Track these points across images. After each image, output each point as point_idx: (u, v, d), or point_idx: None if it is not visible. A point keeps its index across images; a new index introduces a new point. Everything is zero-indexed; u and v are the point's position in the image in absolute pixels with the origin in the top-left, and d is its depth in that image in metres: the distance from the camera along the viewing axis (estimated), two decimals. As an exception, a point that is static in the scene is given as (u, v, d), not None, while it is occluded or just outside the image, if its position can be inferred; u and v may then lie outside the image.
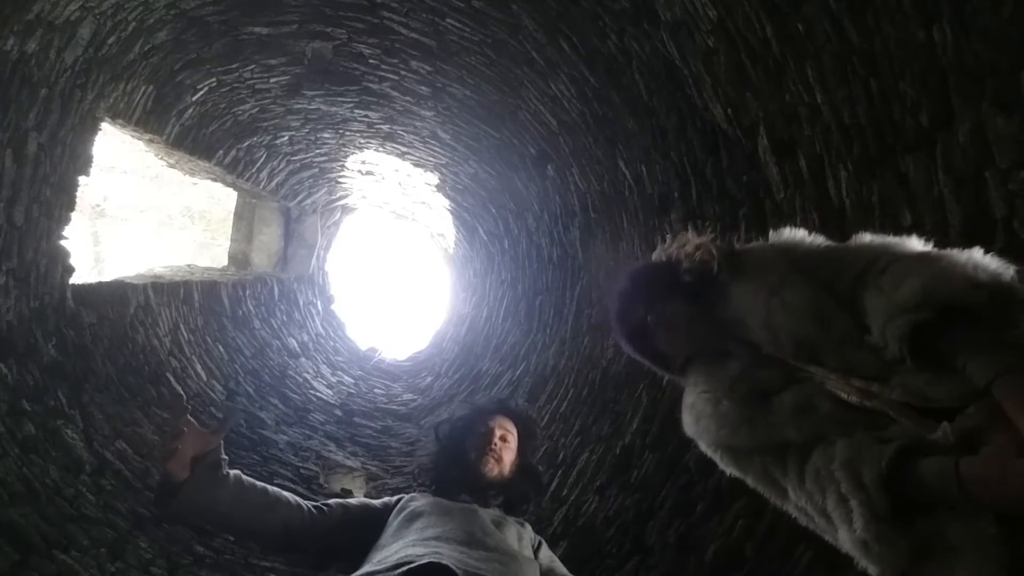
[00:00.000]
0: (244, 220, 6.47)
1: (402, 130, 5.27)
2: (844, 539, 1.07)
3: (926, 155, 1.89)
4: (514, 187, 4.96)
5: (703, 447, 1.36)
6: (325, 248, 7.16)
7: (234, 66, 4.40)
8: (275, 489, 1.80)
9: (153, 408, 4.06)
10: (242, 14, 3.97)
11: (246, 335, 5.52)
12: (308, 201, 6.59)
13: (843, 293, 1.19)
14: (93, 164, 3.88)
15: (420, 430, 5.32)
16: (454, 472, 2.07)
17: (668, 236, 1.54)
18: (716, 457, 1.33)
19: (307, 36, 4.27)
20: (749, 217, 2.69)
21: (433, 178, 5.86)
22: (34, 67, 3.18)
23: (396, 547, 1.64)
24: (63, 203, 3.64)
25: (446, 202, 6.17)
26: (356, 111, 5.12)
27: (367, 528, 1.81)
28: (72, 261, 3.73)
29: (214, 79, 4.43)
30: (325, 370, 6.26)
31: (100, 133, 3.88)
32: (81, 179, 3.78)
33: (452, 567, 1.47)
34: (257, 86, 4.69)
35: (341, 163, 6.11)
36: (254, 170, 5.55)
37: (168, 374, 4.36)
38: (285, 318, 6.29)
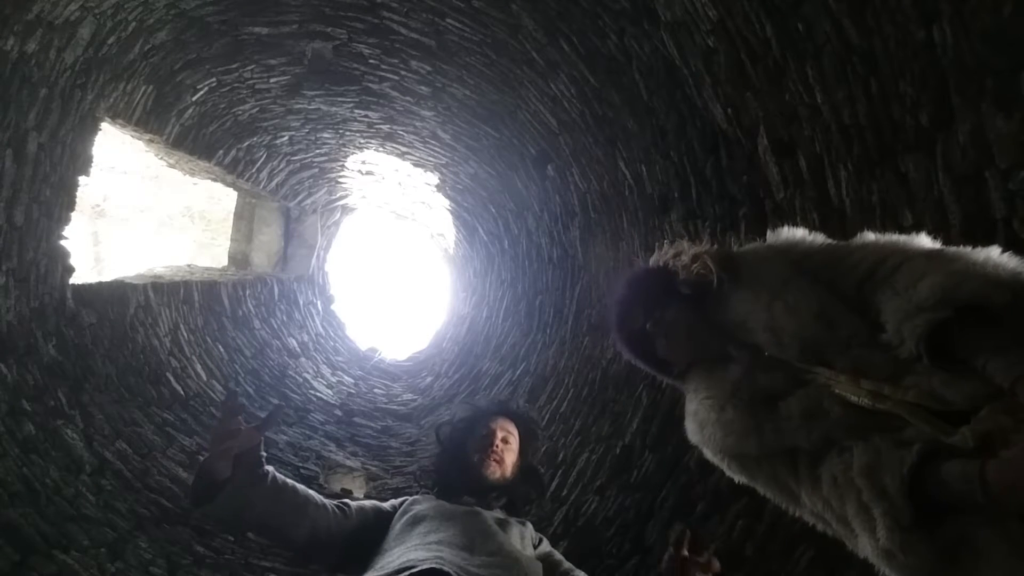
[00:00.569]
0: (244, 220, 6.47)
1: (402, 130, 5.27)
2: (865, 547, 1.04)
3: (926, 155, 1.89)
4: (514, 187, 4.96)
5: (709, 455, 1.33)
6: (325, 248, 7.15)
7: (234, 66, 4.41)
8: (303, 488, 1.79)
9: (153, 408, 4.07)
10: (242, 14, 3.97)
11: (246, 335, 5.52)
12: (308, 201, 6.58)
13: (849, 292, 1.18)
14: (93, 164, 3.88)
15: (420, 430, 5.33)
16: (456, 475, 2.07)
17: (666, 241, 1.53)
18: (724, 465, 1.30)
19: (307, 36, 4.27)
20: (749, 217, 2.69)
21: (433, 178, 5.86)
22: (34, 67, 3.19)
23: (398, 552, 1.65)
24: (63, 203, 3.64)
25: (446, 202, 6.17)
26: (356, 111, 5.12)
27: (381, 531, 1.82)
28: (72, 261, 3.74)
29: (214, 79, 4.43)
30: (325, 370, 6.26)
31: (100, 133, 3.88)
32: (81, 179, 3.78)
33: (453, 573, 1.47)
34: (257, 86, 4.69)
35: (341, 163, 6.11)
36: (254, 170, 5.55)
37: (168, 374, 4.36)
38: (285, 318, 6.29)
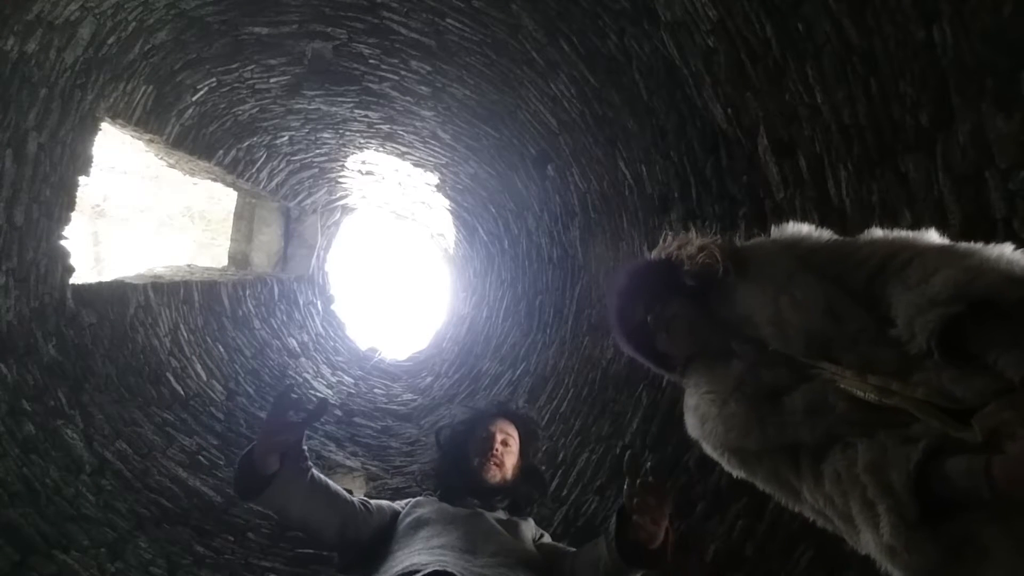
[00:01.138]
0: (244, 220, 6.47)
1: (402, 130, 5.27)
2: (868, 543, 1.03)
3: (926, 155, 1.89)
4: (514, 187, 4.96)
5: (708, 449, 1.32)
6: (325, 248, 7.15)
7: (234, 66, 4.40)
8: (335, 485, 1.82)
9: (153, 408, 4.07)
10: (242, 14, 3.97)
11: (246, 335, 5.52)
12: (308, 201, 6.58)
13: (857, 288, 1.17)
14: (93, 164, 3.88)
15: (420, 430, 5.33)
16: (457, 479, 2.07)
17: (669, 234, 1.50)
18: (723, 460, 1.29)
19: (307, 36, 4.27)
20: (749, 217, 2.69)
21: (433, 178, 5.85)
22: (34, 67, 3.18)
23: (402, 555, 1.66)
24: (63, 203, 3.64)
25: (446, 202, 6.17)
26: (356, 111, 5.12)
27: (392, 532, 1.83)
28: (72, 261, 3.74)
29: (214, 79, 4.43)
30: (325, 370, 6.26)
31: (100, 133, 3.88)
32: (81, 179, 3.78)
33: (458, 574, 1.48)
34: (257, 86, 4.69)
35: (341, 163, 6.11)
36: (254, 170, 5.55)
37: (168, 374, 4.36)
38: (285, 318, 6.29)
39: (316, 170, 6.16)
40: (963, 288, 1.00)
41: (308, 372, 5.98)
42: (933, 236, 1.19)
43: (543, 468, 2.61)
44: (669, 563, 1.60)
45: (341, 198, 6.92)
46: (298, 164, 5.93)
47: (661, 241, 1.49)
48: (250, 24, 4.08)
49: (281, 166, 5.82)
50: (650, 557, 1.58)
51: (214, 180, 5.74)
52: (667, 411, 3.20)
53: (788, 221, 1.40)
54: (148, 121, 4.20)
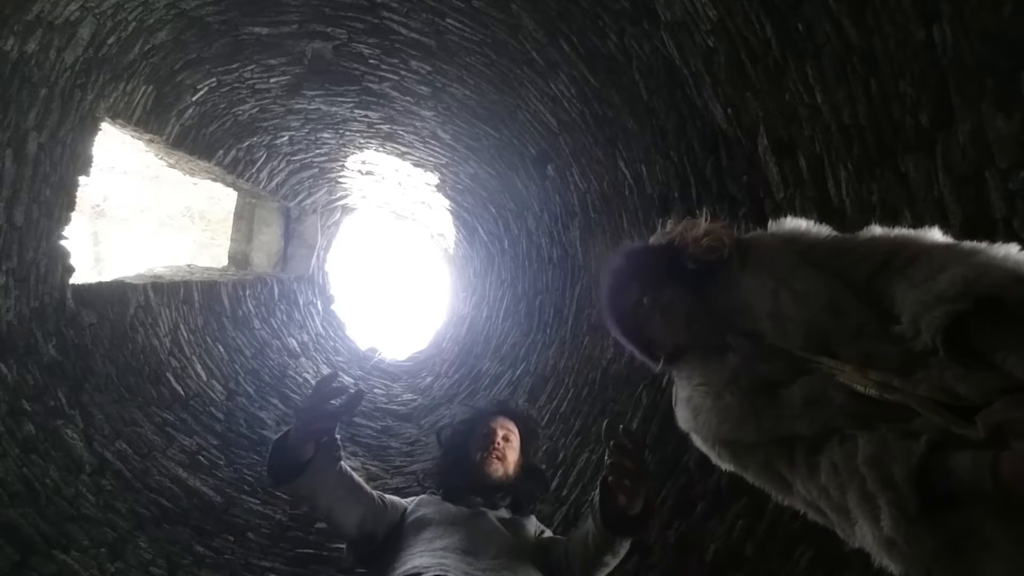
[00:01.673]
0: (244, 220, 6.47)
1: (402, 130, 5.27)
2: (865, 536, 1.03)
3: (926, 155, 1.89)
4: (514, 187, 4.96)
5: (698, 442, 1.31)
6: (325, 248, 7.16)
7: (234, 66, 4.41)
8: (359, 477, 1.85)
9: (153, 408, 4.07)
10: (242, 14, 3.97)
11: (246, 335, 5.52)
12: (308, 201, 6.59)
13: (858, 283, 1.16)
14: (93, 164, 3.88)
15: (420, 430, 5.32)
16: (459, 476, 2.07)
17: (671, 221, 1.47)
18: (713, 453, 1.28)
19: (307, 36, 4.27)
20: (749, 217, 2.69)
21: (433, 178, 5.86)
22: (34, 67, 3.19)
23: (404, 556, 1.66)
24: (63, 203, 3.64)
25: (446, 202, 6.17)
26: (356, 111, 5.12)
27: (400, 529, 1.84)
28: (72, 261, 3.74)
29: (214, 79, 4.43)
30: (325, 370, 6.25)
31: (100, 133, 3.88)
32: (81, 179, 3.78)
33: None
34: (257, 86, 4.69)
35: (341, 163, 6.11)
36: (254, 170, 5.55)
37: (168, 374, 4.36)
38: (285, 318, 6.29)
39: (316, 170, 6.16)
40: (971, 285, 0.99)
41: (308, 372, 5.98)
42: (936, 234, 1.18)
43: (544, 467, 2.62)
44: (654, 529, 1.59)
45: (341, 198, 6.92)
46: (298, 164, 5.94)
47: (660, 227, 1.46)
48: (250, 24, 4.08)
49: (281, 166, 5.82)
50: (634, 523, 1.60)
51: (214, 180, 5.74)
52: (667, 411, 3.19)
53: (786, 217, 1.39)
54: (148, 121, 4.20)
